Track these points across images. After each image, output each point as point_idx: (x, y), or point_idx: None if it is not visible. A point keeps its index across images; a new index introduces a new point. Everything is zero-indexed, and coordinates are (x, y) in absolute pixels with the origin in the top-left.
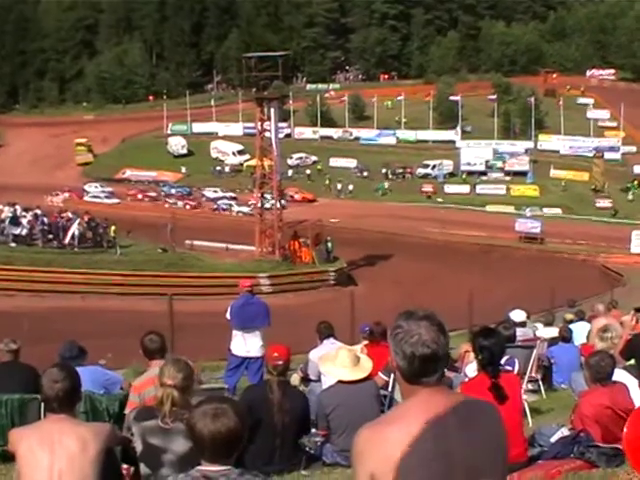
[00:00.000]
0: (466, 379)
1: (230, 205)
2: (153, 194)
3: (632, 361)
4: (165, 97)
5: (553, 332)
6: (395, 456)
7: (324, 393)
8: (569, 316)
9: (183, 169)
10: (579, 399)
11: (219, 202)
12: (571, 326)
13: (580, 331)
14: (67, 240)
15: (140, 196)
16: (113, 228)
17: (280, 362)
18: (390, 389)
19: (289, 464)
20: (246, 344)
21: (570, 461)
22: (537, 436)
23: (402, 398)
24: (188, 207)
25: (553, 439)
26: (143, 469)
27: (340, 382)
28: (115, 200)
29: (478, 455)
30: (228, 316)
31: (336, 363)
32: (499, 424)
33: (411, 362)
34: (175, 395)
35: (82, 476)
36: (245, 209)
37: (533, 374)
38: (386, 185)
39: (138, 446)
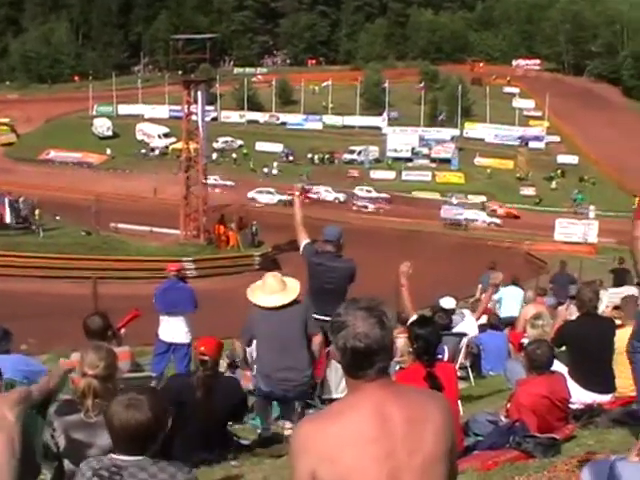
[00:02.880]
0: (397, 367)
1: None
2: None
3: (563, 348)
4: (91, 78)
5: (481, 319)
6: (337, 454)
7: (252, 312)
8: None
9: (108, 151)
10: (516, 388)
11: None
12: (502, 290)
13: (510, 295)
14: (9, 220)
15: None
16: (37, 211)
17: (206, 357)
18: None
19: (217, 455)
20: (171, 330)
21: (506, 451)
22: (472, 424)
23: (348, 392)
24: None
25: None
26: (67, 465)
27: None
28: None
29: (427, 450)
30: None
31: (266, 290)
32: (447, 413)
33: (344, 354)
34: (96, 385)
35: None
36: (495, 220)
37: (462, 361)
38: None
39: (61, 442)
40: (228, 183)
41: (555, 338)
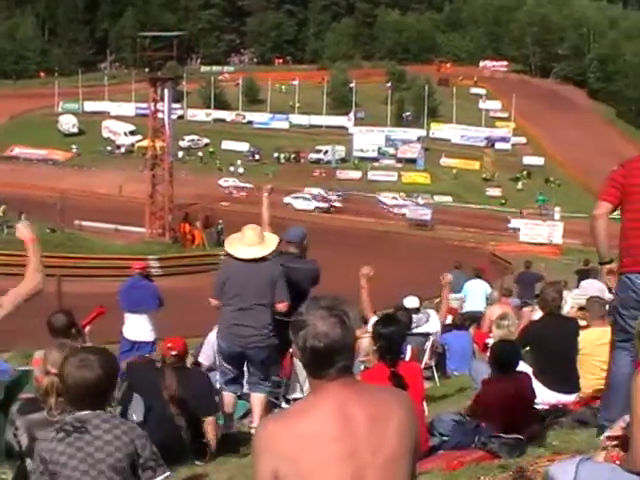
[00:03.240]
0: (362, 366)
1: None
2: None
3: (527, 348)
4: (57, 74)
5: (447, 319)
6: (300, 453)
7: (224, 262)
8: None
9: (74, 148)
10: (482, 387)
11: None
12: (466, 284)
13: (474, 289)
14: None
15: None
16: (2, 208)
17: (174, 352)
18: None
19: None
20: (135, 328)
21: (472, 451)
22: (437, 424)
23: (312, 391)
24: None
25: (453, 417)
26: (29, 464)
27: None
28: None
29: (390, 448)
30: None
31: (244, 242)
32: (411, 411)
33: (304, 354)
34: (59, 384)
35: None
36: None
37: (427, 361)
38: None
39: (24, 440)
40: (248, 185)
41: (519, 339)
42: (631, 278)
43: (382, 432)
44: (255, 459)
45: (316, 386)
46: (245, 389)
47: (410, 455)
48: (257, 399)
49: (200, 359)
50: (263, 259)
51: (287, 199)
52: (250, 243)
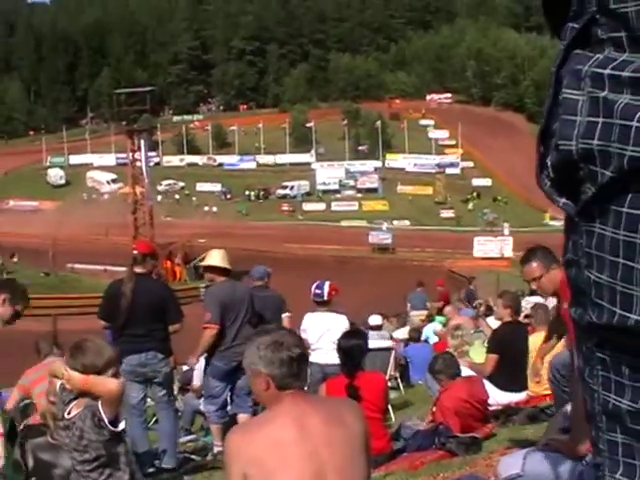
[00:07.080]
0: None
1: None
2: None
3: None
4: (43, 132)
5: (404, 333)
6: (264, 457)
7: (212, 289)
8: (416, 320)
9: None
10: (441, 393)
11: None
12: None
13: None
14: None
15: None
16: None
17: (135, 252)
18: None
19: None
20: None
21: (432, 452)
22: (402, 430)
23: (268, 406)
24: None
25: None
26: None
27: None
28: None
29: (343, 452)
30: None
31: (213, 258)
32: (360, 418)
33: (281, 364)
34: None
35: None
36: None
37: (392, 373)
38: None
39: (30, 462)
40: None
41: (490, 345)
42: None
43: (337, 435)
44: (226, 467)
45: (276, 398)
46: (231, 409)
47: (364, 456)
48: (243, 420)
49: (194, 382)
50: (239, 278)
51: None
52: (217, 261)
